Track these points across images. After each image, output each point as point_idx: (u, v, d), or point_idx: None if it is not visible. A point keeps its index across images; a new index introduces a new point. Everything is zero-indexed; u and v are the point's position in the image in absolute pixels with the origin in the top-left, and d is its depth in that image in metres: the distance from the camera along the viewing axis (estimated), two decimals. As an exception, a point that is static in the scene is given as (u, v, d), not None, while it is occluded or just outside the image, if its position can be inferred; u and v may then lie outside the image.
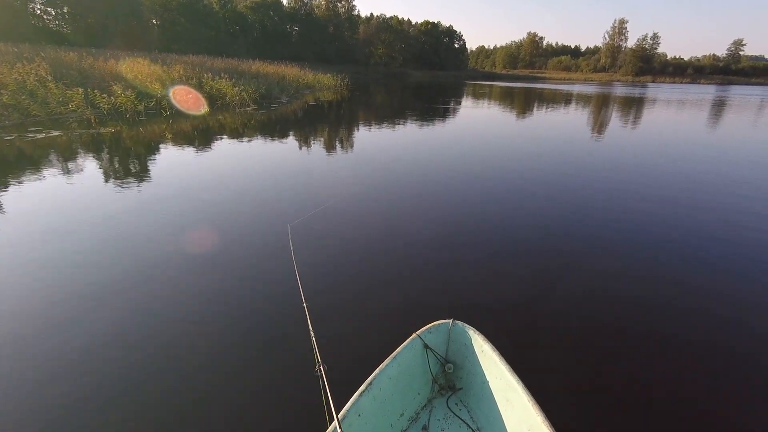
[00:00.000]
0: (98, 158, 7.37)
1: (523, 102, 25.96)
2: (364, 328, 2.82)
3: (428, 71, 74.02)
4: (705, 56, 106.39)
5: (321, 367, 1.60)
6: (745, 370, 2.64)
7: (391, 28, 73.58)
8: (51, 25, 33.52)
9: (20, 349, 2.56)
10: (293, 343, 2.57)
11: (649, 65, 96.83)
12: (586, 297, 3.41)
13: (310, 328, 1.87)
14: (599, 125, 15.16)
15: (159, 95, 13.18)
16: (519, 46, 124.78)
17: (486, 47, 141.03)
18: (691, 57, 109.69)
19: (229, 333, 2.71)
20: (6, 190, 5.42)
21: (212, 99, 15.61)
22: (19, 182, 5.76)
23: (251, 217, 4.78)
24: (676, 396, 2.39)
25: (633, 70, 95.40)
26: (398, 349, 1.98)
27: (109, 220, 4.55)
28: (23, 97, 10.47)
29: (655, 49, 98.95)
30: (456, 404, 2.08)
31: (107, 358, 2.46)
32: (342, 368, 2.21)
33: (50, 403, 2.19)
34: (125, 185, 5.82)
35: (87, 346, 2.54)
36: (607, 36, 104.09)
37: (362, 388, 1.76)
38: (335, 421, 1.37)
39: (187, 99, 12.37)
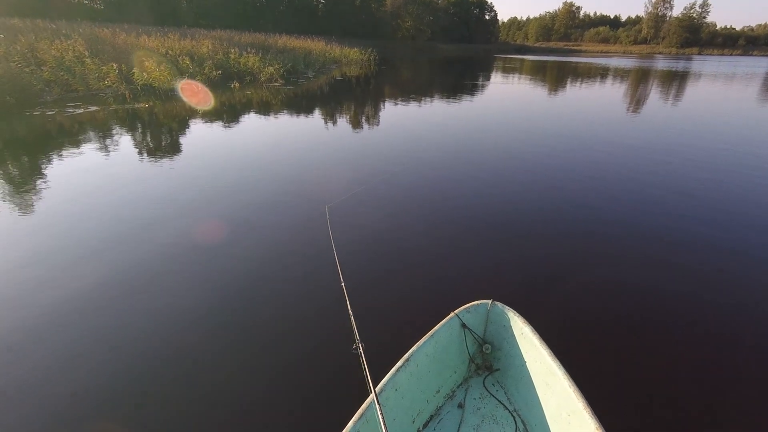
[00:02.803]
0: (136, 134, 7.58)
1: (555, 78, 24.92)
2: (402, 308, 2.83)
3: (457, 44, 71.75)
4: (759, 25, 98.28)
5: (360, 345, 1.63)
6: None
7: (419, -1, 71.12)
8: (85, 1, 34.16)
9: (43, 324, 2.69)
10: (332, 322, 2.60)
11: (696, 36, 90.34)
12: (634, 282, 3.29)
13: (349, 308, 1.88)
14: (638, 104, 14.39)
15: (191, 71, 13.34)
16: (553, 17, 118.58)
17: (518, 18, 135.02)
18: (744, 27, 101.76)
19: (268, 312, 2.75)
20: (55, 165, 5.67)
21: (240, 75, 15.69)
22: (65, 157, 6.02)
23: (289, 198, 4.75)
24: (726, 389, 2.30)
25: (678, 41, 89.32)
26: (436, 328, 1.98)
27: (147, 197, 4.67)
28: (62, 73, 10.80)
29: (704, 18, 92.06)
30: (493, 385, 2.08)
31: (145, 332, 2.54)
32: (380, 346, 2.21)
33: (79, 378, 2.30)
34: (163, 162, 5.95)
35: (120, 323, 2.63)
36: (649, 5, 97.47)
37: (399, 363, 1.77)
38: (372, 394, 1.40)
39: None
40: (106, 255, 3.40)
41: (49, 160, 5.78)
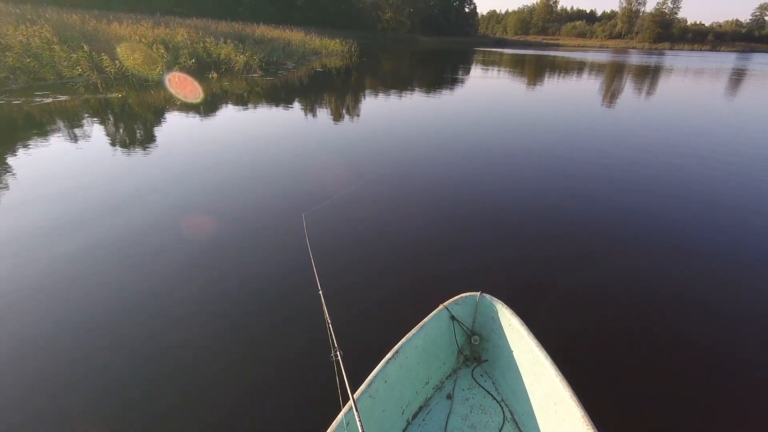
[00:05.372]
0: (106, 127, 7.28)
1: (537, 72, 25.26)
2: (380, 314, 2.78)
3: (437, 37, 71.67)
4: (727, 22, 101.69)
5: (338, 353, 1.61)
6: None
7: (400, -10, 70.41)
8: (50, -14, 32.48)
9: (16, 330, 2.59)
10: (309, 331, 2.53)
11: (668, 31, 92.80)
12: (621, 276, 3.37)
13: (326, 315, 1.84)
14: (619, 99, 14.72)
15: (166, 59, 12.92)
16: (532, 10, 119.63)
17: (497, 12, 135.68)
18: (713, 23, 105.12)
19: (244, 321, 2.65)
20: (19, 157, 5.43)
21: (216, 64, 15.31)
22: (30, 149, 5.76)
23: (264, 206, 4.42)
24: (712, 380, 2.37)
25: (650, 36, 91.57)
26: (425, 320, 2.01)
27: (114, 200, 4.38)
28: (28, 60, 10.29)
29: (675, 13, 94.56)
30: (481, 375, 2.12)
31: (118, 343, 2.44)
32: (358, 353, 2.16)
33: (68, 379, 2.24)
34: (132, 161, 5.59)
35: (94, 332, 2.50)
36: (624, 0, 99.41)
37: (389, 355, 1.78)
38: (350, 401, 1.38)
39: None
40: (57, 264, 3.27)
41: (15, 152, 5.52)
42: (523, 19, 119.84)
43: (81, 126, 7.01)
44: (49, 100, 8.72)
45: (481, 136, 7.75)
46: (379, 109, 10.47)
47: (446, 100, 11.94)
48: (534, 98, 13.29)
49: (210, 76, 13.53)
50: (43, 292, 2.82)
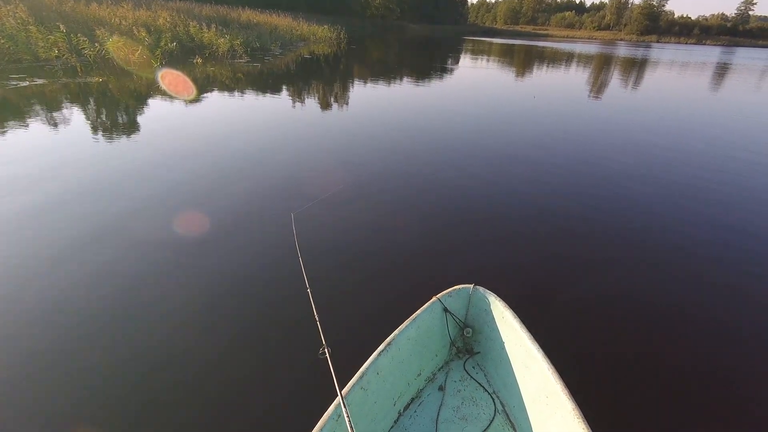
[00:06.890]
0: (87, 115, 7.02)
1: (526, 63, 25.28)
2: (372, 311, 2.74)
3: (426, 25, 71.04)
4: (713, 15, 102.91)
5: (326, 350, 1.63)
6: None
7: (389, -24, 69.30)
8: (24, -37, 31.09)
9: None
10: (299, 329, 2.48)
11: (655, 24, 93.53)
12: (613, 268, 3.38)
13: (314, 313, 1.86)
14: (620, 97, 14.77)
15: (147, 43, 12.52)
16: (522, 0, 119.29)
17: (487, 0, 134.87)
18: (699, 16, 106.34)
19: (230, 320, 2.58)
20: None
21: (200, 49, 14.94)
22: (6, 135, 5.53)
23: (252, 206, 4.18)
24: (699, 369, 2.41)
25: (638, 28, 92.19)
26: (418, 312, 2.00)
27: (95, 193, 4.17)
28: (2, 41, 9.86)
29: (663, 6, 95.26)
30: (473, 367, 2.12)
31: (104, 344, 2.35)
32: (349, 349, 2.15)
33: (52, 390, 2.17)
34: (114, 152, 5.32)
35: (80, 334, 2.40)
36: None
37: (381, 347, 1.78)
38: (339, 397, 1.40)
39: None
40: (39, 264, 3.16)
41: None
42: (513, 9, 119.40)
43: (60, 112, 6.74)
44: (26, 83, 8.39)
45: (474, 130, 7.70)
46: (369, 100, 10.15)
47: (438, 92, 11.81)
48: (530, 91, 13.23)
49: (194, 61, 13.18)
50: (26, 292, 2.73)
